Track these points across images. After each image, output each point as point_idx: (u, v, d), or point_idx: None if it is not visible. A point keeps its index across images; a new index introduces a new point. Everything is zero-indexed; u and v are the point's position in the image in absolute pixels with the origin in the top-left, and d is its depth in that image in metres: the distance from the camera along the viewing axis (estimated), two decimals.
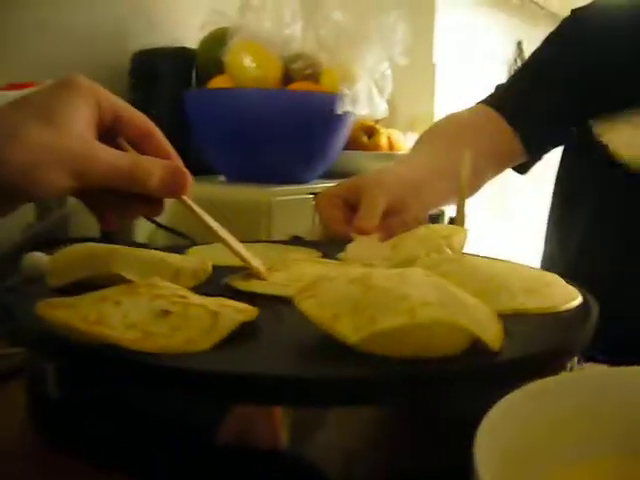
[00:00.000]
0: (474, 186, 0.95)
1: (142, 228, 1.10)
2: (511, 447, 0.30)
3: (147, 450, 0.37)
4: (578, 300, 0.51)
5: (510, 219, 2.23)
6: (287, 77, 1.10)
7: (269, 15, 1.12)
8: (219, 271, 0.59)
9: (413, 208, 0.77)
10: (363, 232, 0.69)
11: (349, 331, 0.35)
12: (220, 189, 1.11)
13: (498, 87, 1.08)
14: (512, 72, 2.04)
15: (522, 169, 1.07)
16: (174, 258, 0.58)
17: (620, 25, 0.98)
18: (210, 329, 0.39)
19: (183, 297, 0.42)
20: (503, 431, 0.30)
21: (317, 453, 0.36)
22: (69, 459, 0.39)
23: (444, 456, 0.37)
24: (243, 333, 0.40)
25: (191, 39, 1.24)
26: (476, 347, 0.38)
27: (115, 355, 0.35)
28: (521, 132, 0.98)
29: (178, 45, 1.23)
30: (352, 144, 1.27)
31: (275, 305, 0.48)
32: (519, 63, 2.08)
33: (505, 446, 0.30)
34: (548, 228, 1.10)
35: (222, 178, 1.18)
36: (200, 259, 0.60)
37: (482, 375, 0.36)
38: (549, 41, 1.04)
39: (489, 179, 1.04)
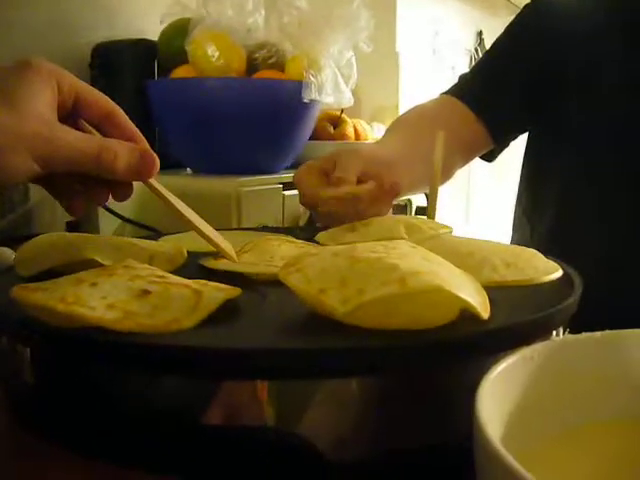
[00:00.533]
0: (444, 175, 0.95)
1: (108, 223, 1.08)
2: (513, 408, 0.30)
3: (130, 434, 0.35)
4: (559, 273, 0.51)
5: (475, 216, 2.25)
6: (251, 66, 1.09)
7: (231, 4, 1.10)
8: (194, 256, 0.58)
9: (386, 175, 0.76)
10: (340, 183, 0.68)
11: (337, 303, 0.35)
12: (187, 181, 1.09)
13: (461, 77, 1.09)
14: (474, 62, 2.06)
15: (489, 157, 1.08)
16: (148, 243, 0.57)
17: (578, 13, 0.99)
18: (193, 307, 0.38)
19: (162, 277, 0.41)
20: (504, 392, 0.30)
21: (306, 431, 0.35)
22: (48, 445, 0.38)
23: (437, 431, 0.37)
24: (226, 312, 0.39)
25: (152, 31, 1.22)
26: (463, 317, 0.38)
27: (101, 337, 0.34)
28: (486, 120, 0.99)
29: (139, 37, 1.21)
30: (318, 134, 1.26)
31: (255, 285, 0.47)
32: (480, 53, 2.09)
33: (507, 407, 0.29)
34: (516, 217, 1.11)
35: (188, 171, 1.17)
36: (174, 244, 0.58)
37: (477, 342, 0.35)
38: (510, 30, 1.05)
39: (458, 169, 1.04)
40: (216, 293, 0.40)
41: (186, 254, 0.57)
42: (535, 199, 1.07)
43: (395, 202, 1.47)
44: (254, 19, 1.11)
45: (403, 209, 1.50)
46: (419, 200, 1.53)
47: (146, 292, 0.38)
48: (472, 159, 1.07)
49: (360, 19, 1.11)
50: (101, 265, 0.48)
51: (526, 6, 1.06)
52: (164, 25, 1.18)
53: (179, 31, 1.11)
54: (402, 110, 1.66)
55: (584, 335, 0.35)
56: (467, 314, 0.37)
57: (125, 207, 1.06)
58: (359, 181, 0.71)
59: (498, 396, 0.29)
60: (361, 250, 0.38)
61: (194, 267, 0.54)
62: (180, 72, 1.07)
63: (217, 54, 1.02)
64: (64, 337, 0.36)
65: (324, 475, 0.35)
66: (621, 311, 0.60)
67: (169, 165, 1.16)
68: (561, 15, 1.00)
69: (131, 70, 1.15)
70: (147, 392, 0.35)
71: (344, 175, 0.70)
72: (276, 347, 0.33)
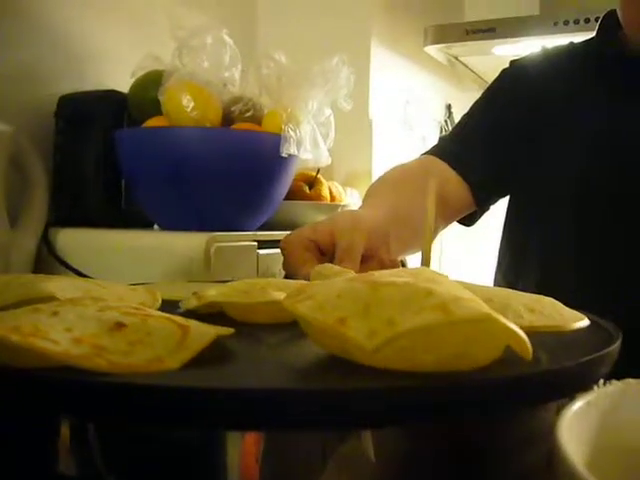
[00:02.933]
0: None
1: None
2: (592, 446, 0.24)
3: None
4: (586, 320, 0.45)
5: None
6: (227, 120, 1.04)
7: (207, 57, 1.06)
8: (169, 305, 0.51)
9: (384, 252, 0.72)
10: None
11: (362, 336, 0.28)
12: (155, 238, 1.02)
13: (440, 139, 1.07)
14: (444, 133, 2.07)
15: (468, 221, 1.05)
16: (116, 286, 0.50)
17: (553, 77, 0.99)
18: (179, 344, 0.31)
19: (138, 309, 0.34)
20: (582, 430, 0.24)
21: None
22: None
23: None
24: (215, 354, 0.33)
25: (122, 84, 1.17)
26: (501, 359, 0.32)
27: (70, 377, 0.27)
28: (467, 177, 0.96)
29: (108, 88, 1.16)
30: (294, 194, 1.21)
31: (248, 328, 0.40)
32: (449, 125, 2.10)
33: (586, 444, 0.24)
34: (495, 283, 1.07)
35: (156, 228, 1.10)
36: (147, 289, 0.51)
37: (532, 386, 0.29)
38: (487, 93, 1.05)
39: (440, 230, 1.00)
40: (205, 329, 0.33)
41: (160, 301, 0.50)
42: (516, 264, 1.03)
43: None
44: (230, 73, 1.07)
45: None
46: (414, 262, 1.48)
47: (120, 325, 0.31)
48: (454, 220, 1.03)
49: (340, 75, 1.08)
50: None
51: (503, 70, 1.06)
52: (134, 78, 1.13)
53: (151, 82, 1.06)
54: (375, 176, 1.63)
55: None
56: (505, 355, 0.31)
57: (86, 264, 0.99)
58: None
59: (573, 437, 0.24)
60: (382, 275, 0.32)
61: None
62: (152, 123, 1.01)
63: (192, 104, 0.98)
64: (16, 377, 0.28)
65: None
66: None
67: (134, 222, 1.10)
68: (536, 79, 0.99)
69: (99, 121, 1.10)
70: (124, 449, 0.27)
71: (350, 265, 0.63)
72: (295, 388, 0.26)
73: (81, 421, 0.28)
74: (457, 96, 2.16)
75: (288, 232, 1.12)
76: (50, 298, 0.42)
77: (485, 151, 0.98)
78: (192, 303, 0.45)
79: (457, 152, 0.98)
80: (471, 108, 1.06)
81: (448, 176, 0.97)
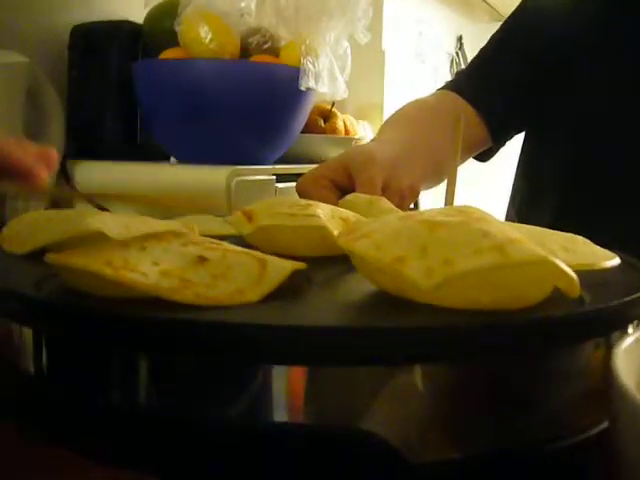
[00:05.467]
0: (444, 172, 0.92)
1: None
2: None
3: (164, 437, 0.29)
4: (617, 259, 0.46)
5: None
6: (245, 52, 1.03)
7: None
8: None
9: (402, 182, 0.72)
10: None
11: (420, 275, 0.29)
12: (173, 171, 1.03)
13: (458, 73, 1.05)
14: (455, 65, 2.03)
15: (484, 157, 1.05)
16: (155, 221, 0.51)
17: (573, 8, 0.96)
18: (258, 279, 0.32)
19: (218, 244, 0.35)
20: (634, 365, 0.25)
21: (381, 427, 0.30)
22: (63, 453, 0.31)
23: (519, 430, 0.32)
24: (290, 287, 0.34)
25: (135, 15, 1.15)
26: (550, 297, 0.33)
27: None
28: (484, 114, 0.95)
29: (120, 18, 1.14)
30: (309, 128, 1.21)
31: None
32: (461, 57, 2.07)
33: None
34: (508, 219, 1.08)
35: (173, 161, 1.10)
36: (186, 223, 0.52)
37: (586, 323, 0.30)
38: (504, 25, 1.02)
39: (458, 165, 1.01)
40: (281, 263, 0.34)
41: (198, 234, 0.51)
42: (530, 200, 1.04)
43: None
44: (247, 2, 1.05)
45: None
46: (426, 202, 1.49)
47: (203, 259, 0.33)
48: (471, 156, 1.03)
49: (358, 8, 1.07)
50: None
51: (521, 3, 1.03)
52: (148, 9, 1.11)
53: (167, 12, 1.05)
54: (387, 109, 1.62)
55: None
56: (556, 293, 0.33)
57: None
58: None
59: (631, 364, 0.26)
60: (433, 214, 0.33)
61: None
62: (169, 54, 1.00)
63: (210, 36, 0.96)
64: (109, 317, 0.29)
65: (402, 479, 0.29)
66: None
67: (151, 155, 1.10)
68: (556, 10, 0.97)
69: (113, 53, 1.08)
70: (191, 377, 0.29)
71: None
72: (364, 325, 0.27)
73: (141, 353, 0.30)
74: (468, 28, 2.12)
75: (305, 165, 1.13)
76: (98, 234, 0.43)
77: (502, 85, 0.97)
78: (246, 228, 0.46)
79: (475, 88, 0.97)
80: (489, 40, 1.04)
81: (466, 111, 0.96)
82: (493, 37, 1.02)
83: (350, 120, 1.32)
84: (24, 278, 0.37)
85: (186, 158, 1.04)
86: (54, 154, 0.51)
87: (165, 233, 0.36)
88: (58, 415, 0.31)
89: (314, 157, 1.19)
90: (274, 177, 0.99)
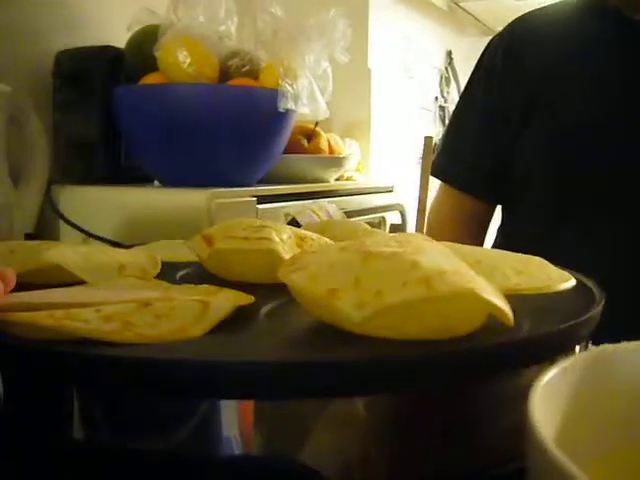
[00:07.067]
0: None
1: (69, 238, 1.02)
2: (560, 421, 0.26)
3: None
4: (572, 281, 0.47)
5: None
6: (224, 75, 1.04)
7: (202, 11, 1.06)
8: (169, 267, 0.52)
9: None
10: None
11: (351, 308, 0.30)
12: (155, 195, 1.04)
13: (437, 152, 1.04)
14: (444, 81, 2.04)
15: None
16: (118, 252, 0.51)
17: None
18: (200, 316, 0.33)
19: (165, 295, 0.36)
20: (551, 403, 0.25)
21: (312, 458, 0.30)
22: None
23: (458, 456, 0.32)
24: (234, 320, 0.35)
25: (117, 39, 1.16)
26: (484, 326, 0.33)
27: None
28: (479, 195, 0.99)
29: (104, 44, 1.15)
30: (292, 148, 1.21)
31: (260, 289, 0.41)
32: (450, 72, 2.09)
33: (554, 419, 0.25)
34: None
35: (156, 184, 1.11)
36: (148, 253, 0.53)
37: (511, 353, 0.30)
38: (486, 66, 1.01)
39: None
40: (224, 302, 0.35)
41: (160, 264, 0.52)
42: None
43: (368, 220, 1.44)
44: (227, 26, 1.07)
45: (376, 226, 1.46)
46: (393, 218, 1.50)
47: (147, 304, 0.33)
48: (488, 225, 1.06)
49: (336, 29, 1.08)
50: (68, 273, 0.42)
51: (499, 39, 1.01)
52: (130, 33, 1.13)
53: (147, 37, 1.06)
54: (374, 126, 1.63)
55: (624, 344, 0.31)
56: (487, 322, 0.33)
57: (88, 220, 1.00)
58: None
59: (546, 406, 0.26)
60: (372, 244, 0.34)
61: (169, 279, 0.48)
62: (149, 80, 1.01)
63: (188, 60, 0.97)
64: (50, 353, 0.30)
65: None
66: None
67: (134, 178, 1.11)
68: (547, 45, 0.96)
69: (97, 78, 1.10)
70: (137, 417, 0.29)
71: None
72: (285, 361, 0.28)
73: (87, 389, 0.30)
74: (458, 42, 2.13)
75: (287, 186, 1.13)
76: (55, 267, 0.44)
77: (494, 150, 0.97)
78: (204, 252, 0.47)
79: (455, 170, 1.00)
80: (467, 93, 1.03)
81: (462, 202, 1.00)
82: (470, 90, 1.03)
83: (335, 139, 1.33)
84: None
85: (168, 181, 1.05)
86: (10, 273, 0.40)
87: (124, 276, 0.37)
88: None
89: (297, 177, 1.19)
90: (255, 199, 1.00)
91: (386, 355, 0.29)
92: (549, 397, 0.26)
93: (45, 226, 1.07)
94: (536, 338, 0.31)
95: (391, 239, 0.36)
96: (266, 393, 0.28)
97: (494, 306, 0.30)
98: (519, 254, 0.52)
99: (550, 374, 0.27)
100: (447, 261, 0.33)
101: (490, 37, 1.06)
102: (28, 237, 0.94)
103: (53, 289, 0.38)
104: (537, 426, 0.22)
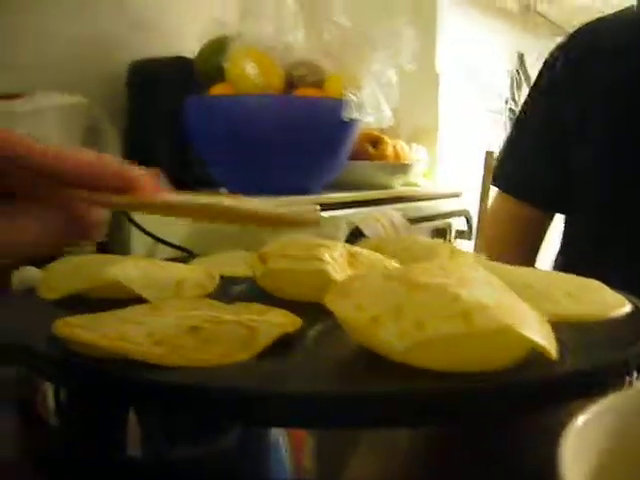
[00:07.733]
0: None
1: (140, 243, 1.05)
2: (596, 466, 0.25)
3: None
4: (627, 307, 0.46)
5: None
6: (290, 85, 1.06)
7: (270, 21, 1.08)
8: (227, 282, 0.54)
9: None
10: None
11: (393, 337, 0.31)
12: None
13: (498, 162, 1.03)
14: (515, 84, 2.00)
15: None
16: (176, 267, 0.54)
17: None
18: (248, 341, 0.34)
19: (215, 316, 0.38)
20: (587, 446, 0.25)
21: None
22: None
23: None
24: (283, 344, 0.36)
25: (189, 49, 1.20)
26: (527, 358, 0.33)
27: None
28: (534, 204, 0.99)
29: (176, 55, 1.19)
30: (357, 154, 1.22)
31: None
32: (522, 75, 2.05)
33: (589, 464, 0.25)
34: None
35: (224, 190, 1.14)
36: (206, 269, 0.55)
37: (550, 388, 0.31)
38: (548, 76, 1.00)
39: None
40: (271, 328, 0.36)
41: (218, 279, 0.53)
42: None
43: (434, 226, 1.43)
44: (293, 36, 1.08)
45: (442, 232, 1.45)
46: (459, 224, 1.48)
47: (196, 328, 0.35)
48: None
49: (403, 38, 1.08)
50: (126, 290, 0.45)
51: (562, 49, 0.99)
52: (201, 43, 1.16)
53: (217, 49, 1.09)
54: (442, 131, 1.62)
55: None
56: (534, 354, 0.33)
57: (158, 227, 1.03)
58: None
59: (581, 450, 0.25)
60: (419, 273, 0.34)
61: (225, 294, 0.50)
62: (217, 90, 1.04)
63: (255, 72, 1.00)
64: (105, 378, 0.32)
65: None
66: None
67: (203, 184, 1.14)
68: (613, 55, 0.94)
69: (168, 88, 1.13)
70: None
71: None
72: (324, 393, 0.29)
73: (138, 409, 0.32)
74: (530, 44, 2.09)
75: (352, 193, 1.14)
76: (115, 283, 0.46)
77: (551, 161, 0.96)
78: (258, 270, 0.48)
79: (514, 180, 1.00)
80: (528, 100, 1.02)
81: (521, 213, 1.00)
82: (532, 100, 1.02)
83: (401, 145, 1.33)
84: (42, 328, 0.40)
85: (235, 189, 1.07)
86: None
87: (164, 305, 0.38)
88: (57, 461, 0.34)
89: (362, 184, 1.20)
90: (318, 207, 1.01)
91: (450, 387, 0.30)
92: (583, 439, 0.26)
93: (117, 232, 1.11)
94: (574, 374, 0.31)
95: (438, 267, 0.36)
96: (322, 423, 0.29)
97: (534, 342, 0.30)
98: (576, 277, 0.51)
99: (585, 416, 0.27)
100: (491, 293, 0.33)
101: (561, 37, 1.04)
102: (99, 245, 0.98)
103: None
104: (566, 476, 0.22)
